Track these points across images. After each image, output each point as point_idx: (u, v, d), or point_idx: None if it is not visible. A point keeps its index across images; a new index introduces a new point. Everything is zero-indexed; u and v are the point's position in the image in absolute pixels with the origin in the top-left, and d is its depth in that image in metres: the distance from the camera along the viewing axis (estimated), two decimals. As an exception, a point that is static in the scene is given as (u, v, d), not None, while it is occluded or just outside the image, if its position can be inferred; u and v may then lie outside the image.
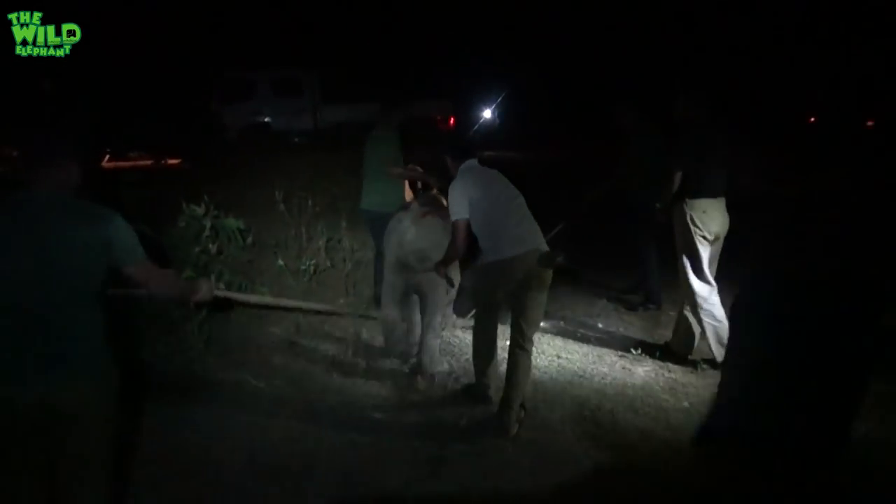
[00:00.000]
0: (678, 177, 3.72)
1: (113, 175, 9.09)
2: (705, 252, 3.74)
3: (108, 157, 11.73)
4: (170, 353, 3.67)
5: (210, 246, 4.20)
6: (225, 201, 4.58)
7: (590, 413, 3.32)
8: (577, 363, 3.97)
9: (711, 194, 3.72)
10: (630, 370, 3.86)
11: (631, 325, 4.64)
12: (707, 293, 3.75)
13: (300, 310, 4.18)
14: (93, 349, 1.90)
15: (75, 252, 1.81)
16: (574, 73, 18.60)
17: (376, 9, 19.25)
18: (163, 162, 10.69)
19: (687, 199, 3.74)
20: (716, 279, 3.82)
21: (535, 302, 3.15)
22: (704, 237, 3.72)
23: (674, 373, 3.81)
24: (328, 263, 4.96)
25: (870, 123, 17.63)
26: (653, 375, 3.78)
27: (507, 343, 3.23)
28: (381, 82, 13.74)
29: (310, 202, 5.35)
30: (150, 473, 2.70)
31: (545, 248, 3.15)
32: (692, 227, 3.72)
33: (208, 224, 4.25)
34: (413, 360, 3.86)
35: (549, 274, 3.13)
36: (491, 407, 3.27)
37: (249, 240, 4.63)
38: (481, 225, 3.16)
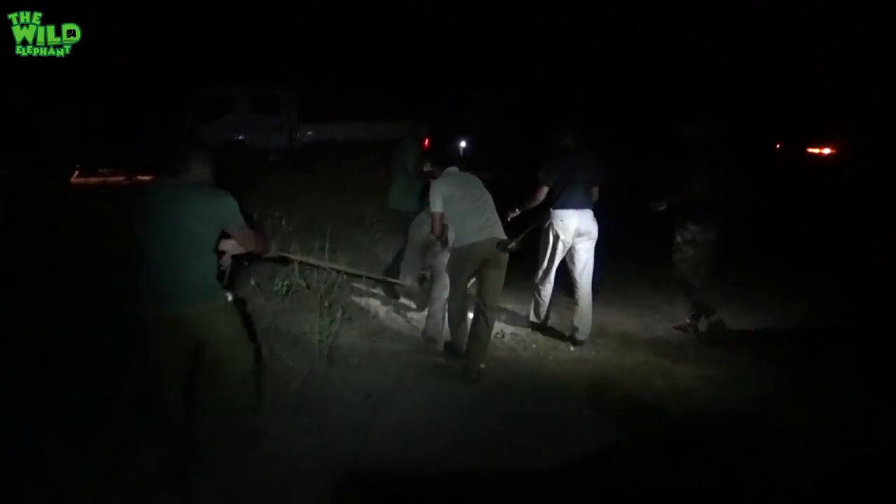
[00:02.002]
0: (544, 191, 4.50)
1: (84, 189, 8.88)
2: (558, 252, 4.63)
3: (77, 172, 11.37)
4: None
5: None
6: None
7: (562, 431, 3.35)
8: (555, 383, 4.00)
9: (572, 206, 4.49)
10: (607, 389, 3.90)
11: (603, 349, 4.68)
12: (545, 280, 4.77)
13: (337, 270, 4.65)
14: (208, 284, 2.77)
15: (199, 221, 2.68)
16: (531, 102, 19.17)
17: (356, 30, 19.44)
18: (134, 178, 10.40)
19: (551, 210, 4.56)
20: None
21: (494, 278, 3.94)
22: (561, 239, 4.56)
23: (645, 395, 3.85)
24: (302, 283, 4.91)
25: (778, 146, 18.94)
26: (631, 395, 3.83)
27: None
28: (359, 103, 13.79)
29: (283, 221, 5.32)
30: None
31: (503, 236, 3.88)
32: (552, 232, 4.58)
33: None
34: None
35: (506, 257, 3.89)
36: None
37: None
38: (455, 216, 3.87)
